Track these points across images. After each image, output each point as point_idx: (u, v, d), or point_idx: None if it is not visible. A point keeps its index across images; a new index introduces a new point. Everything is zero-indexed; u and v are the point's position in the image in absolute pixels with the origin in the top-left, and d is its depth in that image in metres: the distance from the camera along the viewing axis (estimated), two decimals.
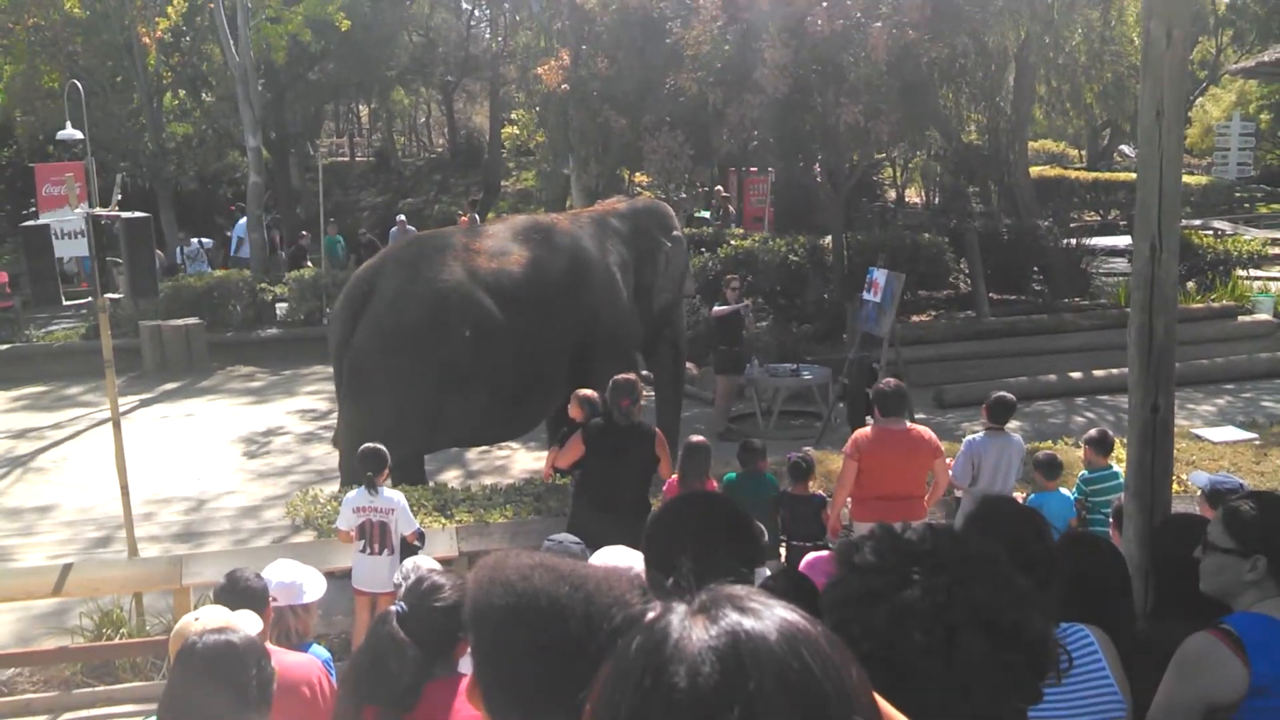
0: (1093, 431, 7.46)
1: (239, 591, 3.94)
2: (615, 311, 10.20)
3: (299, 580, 4.33)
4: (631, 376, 7.15)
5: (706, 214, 22.92)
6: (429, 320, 9.06)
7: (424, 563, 3.79)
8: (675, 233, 11.16)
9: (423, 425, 9.08)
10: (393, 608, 2.95)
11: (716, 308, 12.77)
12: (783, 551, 7.63)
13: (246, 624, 3.40)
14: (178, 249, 22.18)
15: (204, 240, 22.79)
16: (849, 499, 7.13)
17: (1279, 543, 2.82)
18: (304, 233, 23.66)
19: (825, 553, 5.29)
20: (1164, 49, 4.19)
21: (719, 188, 23.87)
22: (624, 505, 6.73)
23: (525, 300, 9.50)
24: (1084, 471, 7.29)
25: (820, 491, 7.55)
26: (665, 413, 11.19)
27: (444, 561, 6.28)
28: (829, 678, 1.10)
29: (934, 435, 7.22)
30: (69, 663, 6.90)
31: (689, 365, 11.69)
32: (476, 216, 22.96)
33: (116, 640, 7.05)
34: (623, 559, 2.93)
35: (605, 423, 7.03)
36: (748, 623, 1.12)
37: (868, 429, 7.20)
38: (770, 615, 1.13)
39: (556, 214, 12.28)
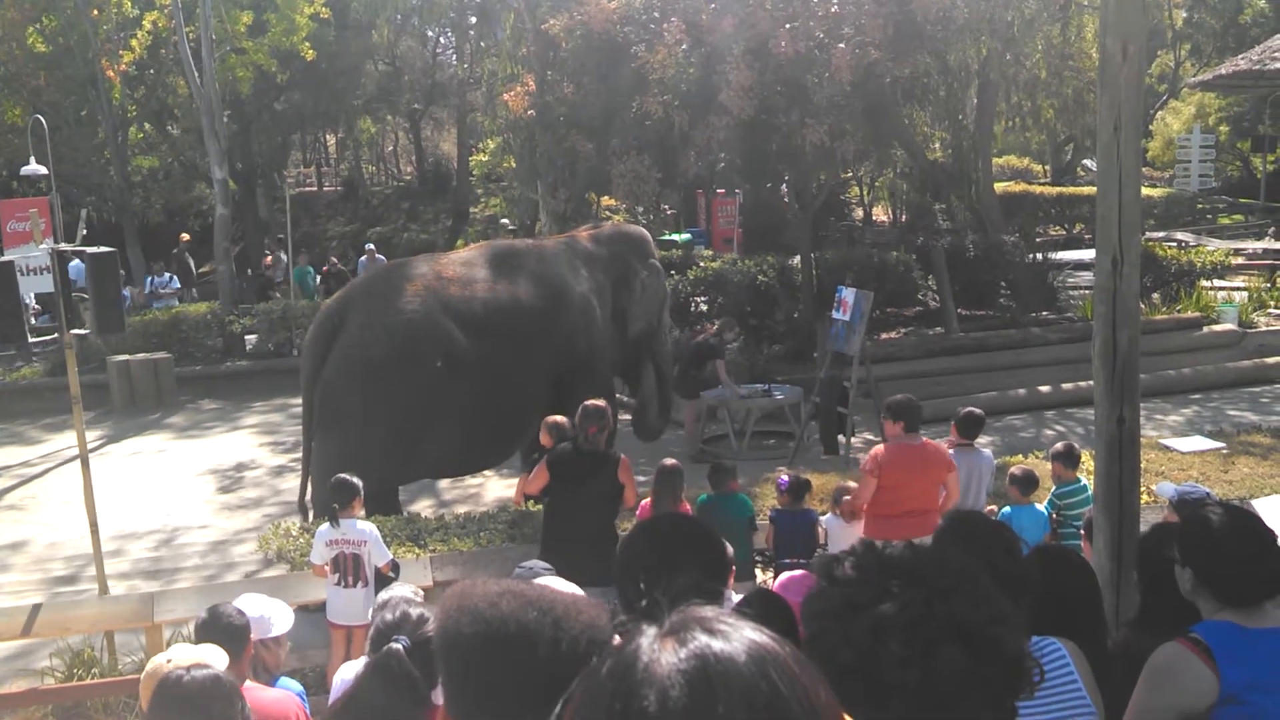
0: (1059, 446, 7.48)
1: (221, 628, 3.89)
2: (591, 338, 10.16)
3: (267, 613, 4.30)
4: (601, 403, 7.09)
5: (676, 236, 23.01)
6: (399, 352, 9.01)
7: (399, 591, 3.74)
8: (652, 260, 11.15)
9: (395, 457, 9.02)
10: (395, 645, 2.85)
11: (722, 369, 12.62)
12: (760, 573, 7.65)
13: (217, 661, 3.37)
14: (148, 279, 22.03)
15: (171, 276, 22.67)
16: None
17: (1199, 557, 2.88)
18: (267, 254, 23.56)
19: (800, 572, 5.31)
20: (1120, 64, 4.25)
21: None
22: (589, 532, 6.65)
23: (498, 329, 9.44)
24: (1055, 486, 7.31)
25: (809, 507, 7.58)
26: (644, 435, 11.21)
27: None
28: (797, 698, 1.11)
29: (945, 448, 7.25)
30: (39, 705, 6.79)
31: None
32: (282, 256, 22.92)
33: (88, 680, 6.95)
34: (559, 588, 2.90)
35: (570, 449, 7.00)
36: (716, 645, 1.12)
37: (882, 446, 7.14)
38: (739, 637, 1.14)
39: (529, 239, 12.24)
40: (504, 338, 9.41)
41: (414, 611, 3.00)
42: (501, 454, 10.09)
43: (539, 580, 3.01)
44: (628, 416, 11.86)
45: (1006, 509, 7.15)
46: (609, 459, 7.01)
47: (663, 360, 11.31)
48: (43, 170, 17.80)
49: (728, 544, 2.77)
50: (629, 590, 2.45)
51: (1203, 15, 34.96)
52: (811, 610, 1.67)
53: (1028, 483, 7.15)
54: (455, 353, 9.19)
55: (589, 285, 10.31)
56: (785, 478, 7.57)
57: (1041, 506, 7.25)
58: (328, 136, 41.38)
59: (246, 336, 18.52)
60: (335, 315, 9.34)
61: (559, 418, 7.43)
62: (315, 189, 39.40)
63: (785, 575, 5.29)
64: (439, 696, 2.18)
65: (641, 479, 7.80)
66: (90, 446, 8.54)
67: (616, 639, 1.20)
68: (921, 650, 1.53)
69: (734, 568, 5.48)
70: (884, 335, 16.93)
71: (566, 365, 9.82)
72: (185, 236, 24.46)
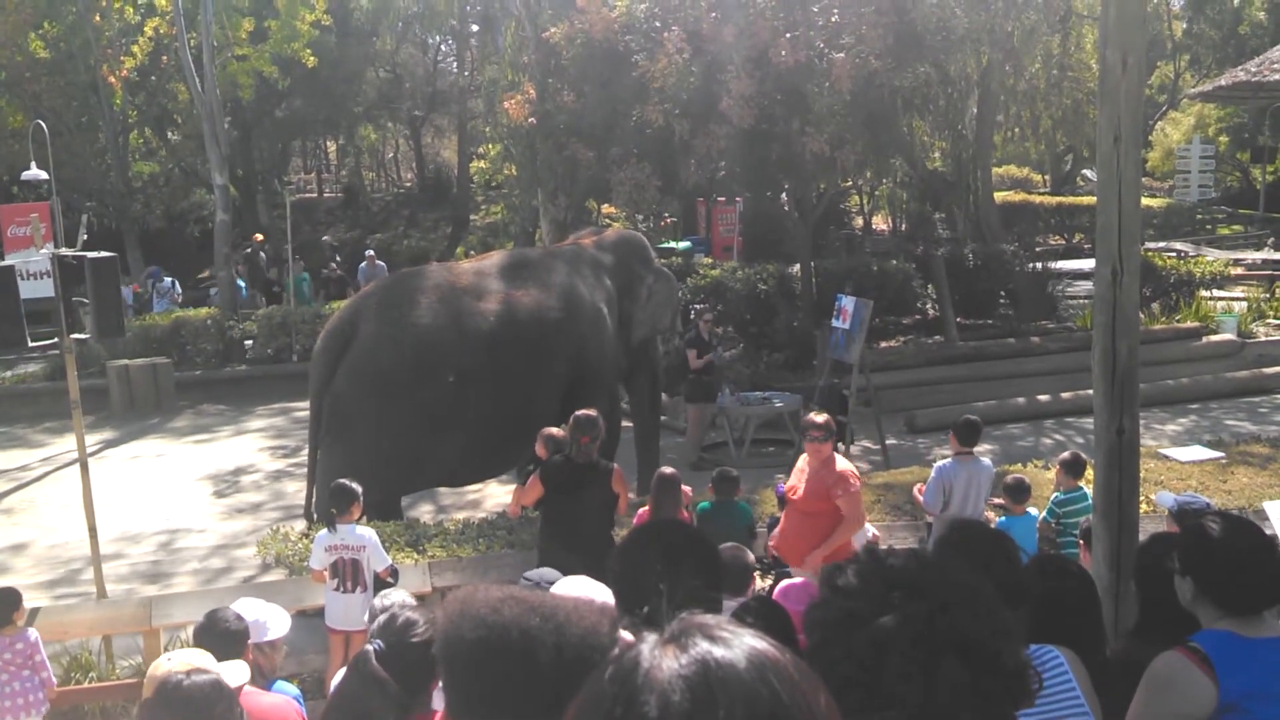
0: (1066, 454, 7.54)
1: (219, 632, 3.90)
2: (601, 347, 10.14)
3: (263, 618, 4.30)
4: (592, 413, 7.07)
5: (675, 244, 23.01)
6: (410, 366, 8.98)
7: (396, 596, 3.74)
8: (657, 265, 11.15)
9: (401, 468, 8.99)
10: (369, 646, 2.89)
11: (693, 356, 12.53)
12: (759, 580, 7.63)
13: (219, 669, 3.37)
14: (149, 283, 22.03)
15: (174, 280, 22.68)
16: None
17: (1198, 567, 2.89)
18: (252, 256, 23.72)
19: (799, 580, 5.31)
20: (1120, 76, 4.26)
21: None
22: (585, 542, 6.59)
23: (511, 339, 9.40)
24: (1056, 493, 7.34)
25: None
26: (645, 443, 11.15)
27: (416, 597, 6.24)
28: (797, 705, 1.11)
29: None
30: None
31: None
32: (263, 252, 23.08)
33: (86, 684, 6.95)
34: (586, 590, 2.92)
35: (562, 461, 7.00)
36: (717, 651, 1.13)
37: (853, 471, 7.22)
38: (739, 644, 1.14)
39: (539, 249, 12.20)
40: (516, 348, 9.37)
41: (400, 615, 2.99)
42: (509, 463, 10.03)
43: (571, 579, 3.02)
44: (627, 423, 11.85)
45: (1002, 518, 7.17)
46: (601, 469, 7.00)
47: (656, 364, 11.31)
48: (43, 175, 17.82)
49: (749, 550, 2.77)
50: (626, 596, 2.45)
51: (1202, 27, 35.06)
52: (813, 620, 1.67)
53: (1019, 491, 7.17)
54: (466, 365, 9.15)
55: (600, 294, 10.29)
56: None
57: (1039, 513, 7.27)
58: (328, 143, 41.38)
59: (245, 342, 18.51)
60: (347, 325, 9.29)
61: (554, 430, 7.42)
62: (316, 195, 39.38)
63: (785, 583, 5.29)
64: (438, 700, 2.18)
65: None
66: (89, 450, 8.55)
67: (628, 635, 1.20)
68: (923, 664, 1.53)
69: (756, 572, 5.46)
70: (883, 344, 16.93)
71: (577, 374, 9.78)
72: (259, 237, 24.60)
